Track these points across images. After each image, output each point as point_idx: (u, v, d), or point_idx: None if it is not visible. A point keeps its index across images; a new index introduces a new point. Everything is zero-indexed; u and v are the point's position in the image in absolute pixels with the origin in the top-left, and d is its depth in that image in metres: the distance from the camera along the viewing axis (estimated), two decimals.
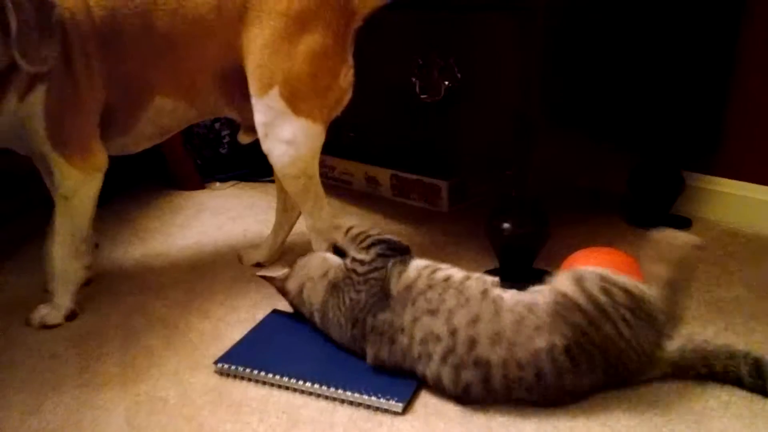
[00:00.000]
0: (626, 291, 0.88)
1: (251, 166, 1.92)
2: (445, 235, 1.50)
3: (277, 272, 1.12)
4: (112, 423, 0.89)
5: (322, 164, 1.94)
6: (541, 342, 0.85)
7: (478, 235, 1.47)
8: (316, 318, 1.04)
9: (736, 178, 1.51)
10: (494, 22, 1.15)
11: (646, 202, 1.54)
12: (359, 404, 0.92)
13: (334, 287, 1.00)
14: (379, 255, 0.99)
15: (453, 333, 0.87)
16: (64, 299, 1.14)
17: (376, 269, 0.97)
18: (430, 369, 0.90)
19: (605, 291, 0.87)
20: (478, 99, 1.20)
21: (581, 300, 0.87)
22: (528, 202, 1.24)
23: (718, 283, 1.24)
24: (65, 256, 1.12)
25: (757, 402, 0.90)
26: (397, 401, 0.90)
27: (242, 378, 0.98)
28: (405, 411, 0.90)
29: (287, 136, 1.13)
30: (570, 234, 1.45)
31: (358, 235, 1.03)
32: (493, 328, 0.86)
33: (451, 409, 0.91)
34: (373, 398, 0.91)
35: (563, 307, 0.87)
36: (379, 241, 1.01)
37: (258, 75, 1.10)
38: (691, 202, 1.57)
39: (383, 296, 0.94)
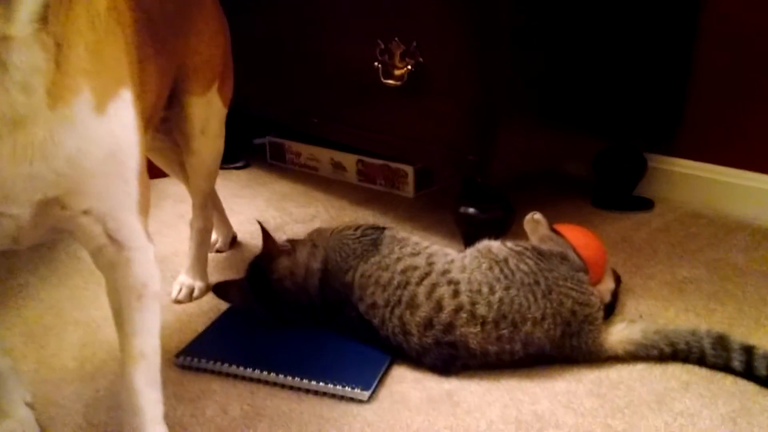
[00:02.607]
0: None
1: None
2: (412, 220, 1.50)
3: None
4: (71, 421, 0.87)
5: (288, 150, 1.92)
6: (492, 267, 0.98)
7: (444, 220, 1.47)
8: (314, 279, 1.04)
9: (697, 160, 1.53)
10: (457, 6, 1.14)
11: (610, 185, 1.56)
12: (324, 394, 0.91)
13: (332, 249, 1.06)
14: (365, 230, 1.09)
15: (430, 264, 0.99)
16: None
17: (366, 234, 1.07)
18: (408, 291, 0.96)
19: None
20: (441, 84, 1.19)
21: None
22: (492, 188, 1.24)
23: (680, 263, 1.25)
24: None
25: (717, 382, 0.92)
26: (362, 390, 0.90)
27: (204, 371, 0.96)
28: (370, 399, 0.90)
29: (217, 129, 1.13)
30: None
31: (343, 228, 1.11)
32: (462, 263, 0.99)
33: (416, 397, 0.90)
34: (338, 387, 0.90)
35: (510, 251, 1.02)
36: (361, 225, 1.11)
37: (203, 72, 1.07)
38: (653, 184, 1.59)
39: (374, 247, 1.04)
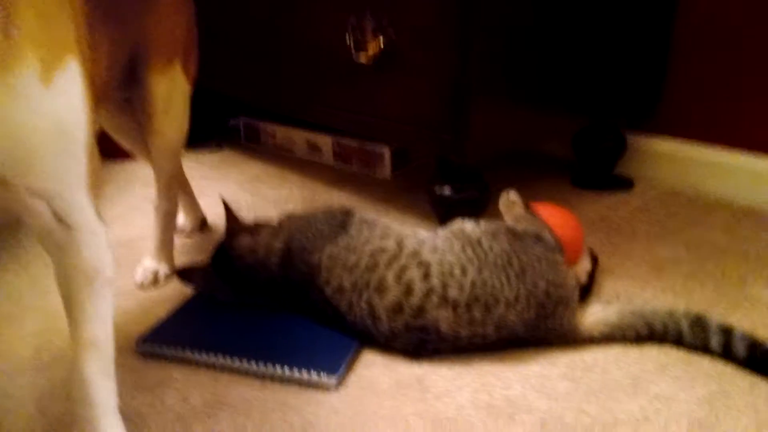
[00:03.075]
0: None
1: None
2: (388, 201, 1.46)
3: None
4: (24, 412, 0.83)
5: (262, 131, 1.88)
6: (465, 248, 0.94)
7: (421, 201, 1.44)
8: (274, 259, 1.01)
9: (677, 137, 1.50)
10: None
11: (589, 164, 1.53)
12: (289, 380, 0.88)
13: (297, 230, 1.02)
14: (333, 212, 1.04)
15: (400, 246, 0.94)
16: None
17: (334, 216, 1.02)
18: (376, 274, 0.92)
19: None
20: (414, 61, 1.15)
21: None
22: (468, 168, 1.20)
23: (659, 243, 1.23)
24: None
25: (694, 364, 0.89)
26: (329, 376, 0.87)
27: (166, 358, 0.93)
28: (337, 386, 0.87)
29: (181, 108, 1.09)
30: None
31: (312, 211, 1.07)
32: (434, 244, 0.95)
33: (384, 382, 0.87)
34: (305, 373, 0.87)
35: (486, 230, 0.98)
36: (330, 208, 1.07)
37: (164, 47, 1.02)
38: (633, 163, 1.56)
39: (342, 229, 0.99)
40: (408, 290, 0.90)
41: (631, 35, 1.36)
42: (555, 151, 1.71)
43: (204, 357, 0.91)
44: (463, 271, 0.91)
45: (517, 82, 1.18)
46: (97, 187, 0.70)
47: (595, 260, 1.11)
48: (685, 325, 0.92)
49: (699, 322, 0.92)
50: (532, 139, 1.56)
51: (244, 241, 1.02)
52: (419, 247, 0.94)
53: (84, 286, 0.70)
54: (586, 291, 1.04)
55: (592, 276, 1.07)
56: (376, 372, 0.90)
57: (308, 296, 0.97)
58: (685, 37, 1.45)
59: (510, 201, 1.07)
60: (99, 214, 0.70)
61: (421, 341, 0.90)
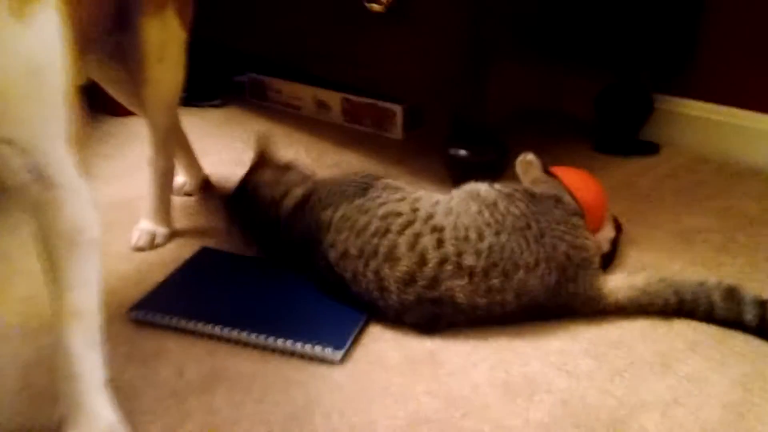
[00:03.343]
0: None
1: (188, 89, 1.75)
2: (400, 163, 1.39)
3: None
4: (6, 383, 0.78)
5: (269, 88, 1.80)
6: (482, 211, 0.88)
7: (434, 163, 1.36)
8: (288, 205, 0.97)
9: (708, 101, 1.42)
10: None
11: (613, 127, 1.44)
12: (292, 354, 0.82)
13: (323, 185, 0.99)
14: (363, 175, 0.99)
15: (414, 211, 0.88)
16: None
17: (362, 180, 0.97)
18: (387, 240, 0.85)
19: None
20: (431, 11, 1.07)
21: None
22: (485, 128, 1.13)
23: (688, 212, 1.16)
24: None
25: (727, 342, 0.83)
26: (334, 350, 0.81)
27: (161, 327, 0.87)
28: (343, 360, 0.81)
29: (176, 56, 1.01)
30: None
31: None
32: (448, 206, 0.89)
33: (394, 357, 0.82)
34: (308, 347, 0.81)
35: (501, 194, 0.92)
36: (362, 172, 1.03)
37: None
38: (660, 127, 1.47)
39: (364, 191, 0.94)
40: (421, 260, 0.83)
41: None
42: (576, 111, 1.63)
43: (201, 327, 0.85)
44: (480, 236, 0.84)
45: (539, 34, 1.10)
46: (80, 141, 0.64)
47: (619, 228, 1.04)
48: (717, 297, 0.86)
49: (732, 294, 0.86)
50: (553, 97, 1.48)
51: (267, 174, 0.99)
52: (433, 209, 0.88)
53: (67, 249, 0.65)
54: (609, 259, 0.97)
55: (615, 244, 1.01)
56: (385, 346, 0.84)
57: (310, 261, 0.91)
58: None
59: (527, 162, 1.00)
60: (82, 171, 0.64)
61: (434, 315, 0.84)
